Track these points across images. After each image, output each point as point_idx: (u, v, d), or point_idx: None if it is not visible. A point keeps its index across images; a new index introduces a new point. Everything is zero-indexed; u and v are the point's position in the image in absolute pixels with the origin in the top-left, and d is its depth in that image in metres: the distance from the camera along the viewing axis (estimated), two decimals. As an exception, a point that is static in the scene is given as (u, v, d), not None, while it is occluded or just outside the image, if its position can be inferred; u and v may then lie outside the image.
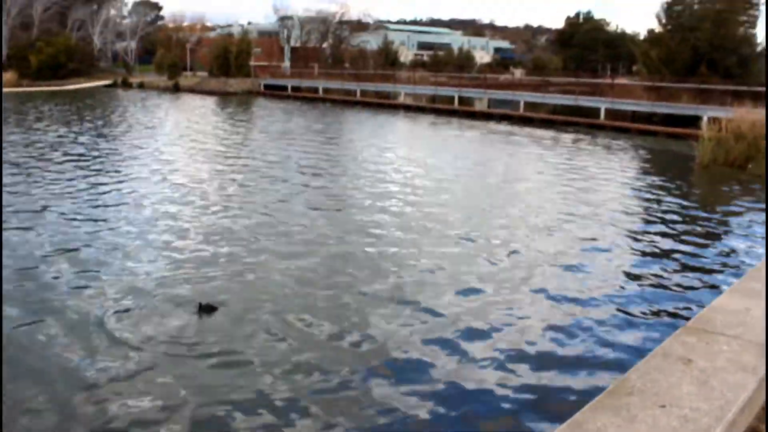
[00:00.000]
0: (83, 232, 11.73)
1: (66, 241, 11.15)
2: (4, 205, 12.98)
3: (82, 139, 26.10)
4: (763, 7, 45.98)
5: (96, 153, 22.19)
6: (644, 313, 8.46)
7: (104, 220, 12.62)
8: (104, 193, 15.37)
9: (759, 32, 44.99)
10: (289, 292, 8.86)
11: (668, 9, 43.99)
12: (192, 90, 69.79)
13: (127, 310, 8.11)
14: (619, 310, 8.54)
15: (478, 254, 10.87)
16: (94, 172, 18.21)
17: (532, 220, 13.49)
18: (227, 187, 16.58)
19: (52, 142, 24.73)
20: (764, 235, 12.61)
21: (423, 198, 15.52)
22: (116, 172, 18.43)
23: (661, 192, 17.37)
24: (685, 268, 10.47)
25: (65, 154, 21.62)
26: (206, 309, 8.02)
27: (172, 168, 19.42)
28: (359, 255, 10.66)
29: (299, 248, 10.95)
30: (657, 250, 11.49)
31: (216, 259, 10.24)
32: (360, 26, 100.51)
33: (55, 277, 9.33)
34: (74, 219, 12.69)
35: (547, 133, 32.04)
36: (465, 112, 43.05)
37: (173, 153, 22.94)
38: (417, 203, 14.87)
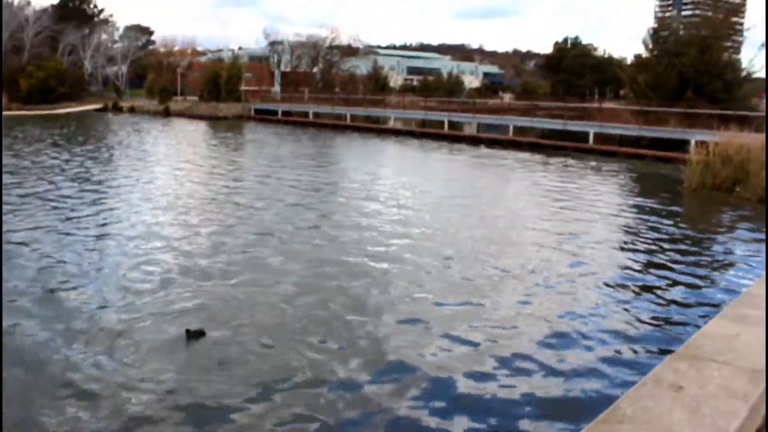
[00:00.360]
0: (71, 253, 11.64)
1: (52, 264, 11.04)
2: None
3: (71, 163, 26.00)
4: (747, 33, 46.70)
5: (85, 177, 22.10)
6: (634, 339, 8.44)
7: (93, 241, 12.53)
8: (91, 215, 15.27)
9: (743, 58, 45.71)
10: (278, 317, 8.79)
11: (654, 34, 44.65)
12: (182, 114, 69.84)
13: (113, 338, 8.02)
14: (608, 333, 8.51)
15: (468, 278, 10.84)
16: (83, 197, 18.11)
17: (522, 245, 13.48)
18: (216, 211, 16.50)
19: (41, 166, 24.62)
20: (752, 259, 12.66)
21: (413, 221, 15.51)
22: (105, 195, 18.33)
23: (650, 215, 17.44)
24: (676, 292, 10.47)
25: (55, 177, 21.51)
26: (195, 335, 7.94)
27: (162, 193, 19.35)
28: (348, 283, 10.60)
29: (290, 271, 10.89)
30: (647, 275, 11.50)
31: (203, 283, 10.15)
32: (350, 51, 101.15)
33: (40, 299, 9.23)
34: (64, 239, 12.59)
35: (537, 157, 32.21)
36: (454, 137, 43.25)
37: (163, 178, 22.88)
38: (406, 226, 14.85)
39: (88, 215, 15.52)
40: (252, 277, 10.57)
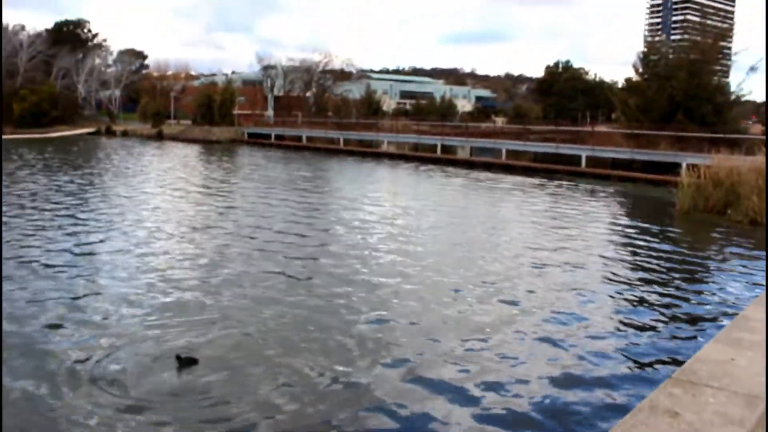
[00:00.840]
0: (64, 279, 11.55)
1: (45, 289, 10.95)
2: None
3: (63, 187, 25.91)
4: (735, 58, 47.25)
5: (77, 202, 22.01)
6: (629, 364, 8.39)
7: (84, 268, 12.44)
8: (82, 244, 15.18)
9: (732, 81, 46.26)
10: (270, 342, 8.72)
11: (644, 58, 45.14)
12: (175, 138, 69.92)
13: (103, 361, 7.92)
14: (603, 358, 8.47)
15: (463, 304, 10.80)
16: (74, 222, 18.01)
17: (517, 268, 13.45)
18: (209, 236, 16.44)
19: (33, 190, 24.53)
20: (745, 282, 12.67)
21: (407, 245, 15.48)
22: (96, 221, 18.25)
23: (643, 238, 17.47)
24: (670, 316, 10.45)
25: (46, 202, 21.42)
26: (186, 362, 7.84)
27: (155, 217, 19.30)
28: (342, 306, 10.54)
29: (281, 298, 10.82)
30: (641, 298, 11.48)
31: (195, 309, 10.08)
32: (343, 75, 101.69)
33: (32, 326, 9.12)
34: (53, 267, 12.49)
35: (529, 181, 32.31)
36: (448, 161, 43.40)
37: (155, 202, 22.81)
38: (401, 251, 14.82)
39: (72, 244, 15.40)
40: (243, 313, 10.49)
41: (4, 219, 17.44)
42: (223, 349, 8.48)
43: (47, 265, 12.68)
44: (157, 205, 21.72)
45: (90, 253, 14.00)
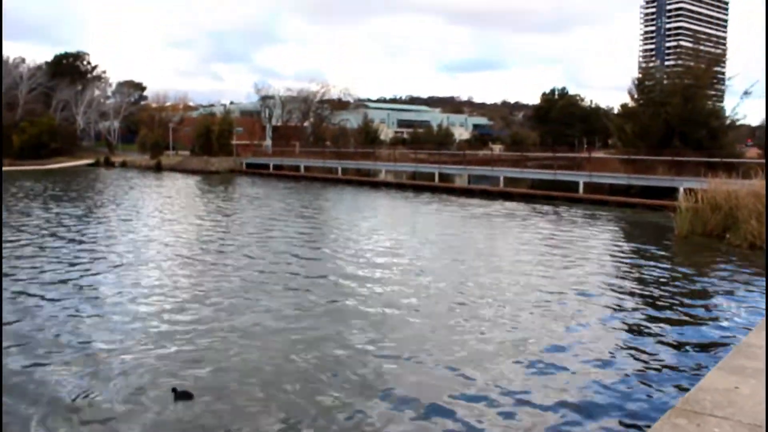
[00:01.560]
0: (61, 308, 11.45)
1: (34, 319, 10.86)
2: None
3: (63, 219, 25.89)
4: (729, 82, 47.65)
5: (75, 234, 21.96)
6: (631, 393, 8.29)
7: (81, 299, 12.35)
8: (81, 276, 15.10)
9: (726, 106, 46.58)
10: (268, 377, 8.62)
11: (639, 84, 45.43)
12: (174, 169, 70.14)
13: (92, 394, 7.82)
14: (604, 387, 8.37)
15: (463, 333, 10.71)
16: (75, 253, 17.95)
17: (517, 296, 13.37)
18: (205, 267, 16.37)
19: (31, 223, 24.50)
20: (747, 308, 12.59)
21: (407, 275, 15.42)
22: (92, 252, 18.19)
23: (643, 264, 17.41)
24: (671, 343, 10.36)
25: (45, 235, 21.37)
26: (182, 396, 7.74)
27: (152, 248, 19.24)
28: (340, 339, 10.46)
29: (280, 329, 10.74)
30: (642, 325, 11.39)
31: (191, 340, 9.98)
32: (340, 105, 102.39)
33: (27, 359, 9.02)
34: (48, 296, 12.40)
35: (528, 208, 32.33)
36: (445, 189, 43.46)
37: (152, 233, 22.77)
38: (401, 281, 14.76)
39: (69, 279, 15.33)
40: (241, 343, 10.40)
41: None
42: (219, 382, 8.38)
43: (37, 296, 12.60)
44: (153, 237, 21.66)
45: (86, 286, 13.90)
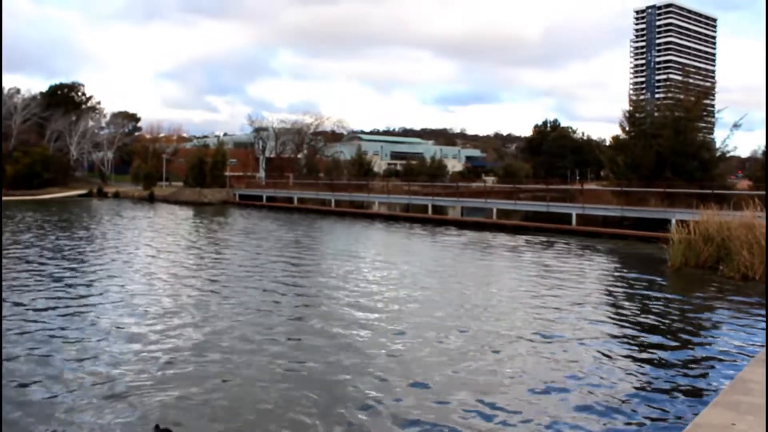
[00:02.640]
0: (46, 338, 11.28)
1: (19, 344, 10.69)
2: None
3: (48, 252, 25.70)
4: (718, 115, 48.23)
5: (64, 265, 21.77)
6: (627, 430, 8.17)
7: (70, 329, 12.18)
8: (68, 306, 14.92)
9: (717, 138, 47.00)
10: (257, 413, 8.46)
11: (630, 117, 45.87)
12: (167, 200, 70.12)
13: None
14: (599, 424, 8.25)
15: (461, 363, 10.59)
16: (60, 281, 17.78)
17: (513, 328, 13.27)
18: (196, 297, 16.22)
19: (16, 255, 24.30)
20: (742, 342, 12.52)
21: (402, 308, 15.31)
22: (82, 281, 18.02)
23: (637, 296, 17.35)
24: (666, 377, 10.25)
25: (32, 264, 21.19)
26: (164, 432, 7.57)
27: (142, 279, 19.09)
28: (331, 376, 10.32)
29: (268, 366, 10.60)
30: (636, 359, 11.29)
31: (177, 372, 9.82)
32: (334, 137, 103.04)
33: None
34: (32, 327, 12.23)
35: (521, 240, 32.32)
36: (439, 221, 43.46)
37: (143, 264, 22.61)
38: (395, 315, 14.64)
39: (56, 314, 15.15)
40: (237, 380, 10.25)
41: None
42: (205, 417, 8.22)
43: (29, 320, 12.43)
44: (144, 268, 21.50)
45: (75, 313, 13.73)
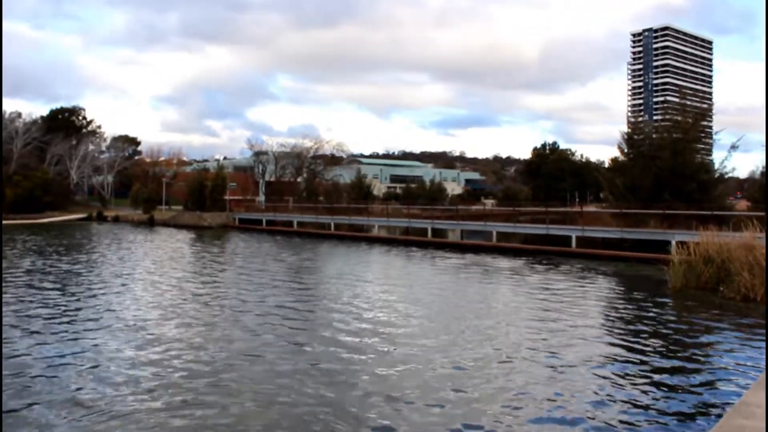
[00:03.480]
0: (37, 371, 11.19)
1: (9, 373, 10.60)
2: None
3: (47, 277, 25.62)
4: (716, 136, 48.42)
5: (62, 293, 21.69)
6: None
7: (62, 359, 12.09)
8: (61, 341, 14.83)
9: (715, 159, 47.16)
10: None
11: (629, 139, 46.07)
12: (167, 224, 70.08)
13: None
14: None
15: (463, 390, 10.51)
16: (59, 313, 17.69)
17: (514, 353, 13.19)
18: (197, 322, 16.14)
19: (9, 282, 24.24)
20: (743, 364, 12.43)
21: (403, 334, 15.23)
22: (84, 308, 17.94)
23: (638, 319, 17.27)
24: (668, 400, 10.17)
25: (29, 290, 21.10)
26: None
27: (142, 303, 19.00)
28: (334, 404, 10.23)
29: (272, 391, 10.51)
30: (638, 382, 11.20)
31: (175, 402, 9.74)
32: (333, 160, 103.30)
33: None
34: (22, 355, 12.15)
35: (521, 263, 32.26)
36: (438, 244, 43.39)
37: (142, 288, 22.52)
38: (397, 340, 14.56)
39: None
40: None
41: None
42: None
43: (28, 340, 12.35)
44: (142, 293, 21.42)
45: (72, 339, 13.64)
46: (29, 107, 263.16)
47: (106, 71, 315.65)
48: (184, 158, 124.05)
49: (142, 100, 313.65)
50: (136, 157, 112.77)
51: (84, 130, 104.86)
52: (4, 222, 63.64)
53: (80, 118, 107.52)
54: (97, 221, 76.67)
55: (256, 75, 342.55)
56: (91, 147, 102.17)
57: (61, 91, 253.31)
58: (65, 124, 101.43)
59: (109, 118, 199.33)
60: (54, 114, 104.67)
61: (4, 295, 19.64)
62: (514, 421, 9.04)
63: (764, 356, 12.67)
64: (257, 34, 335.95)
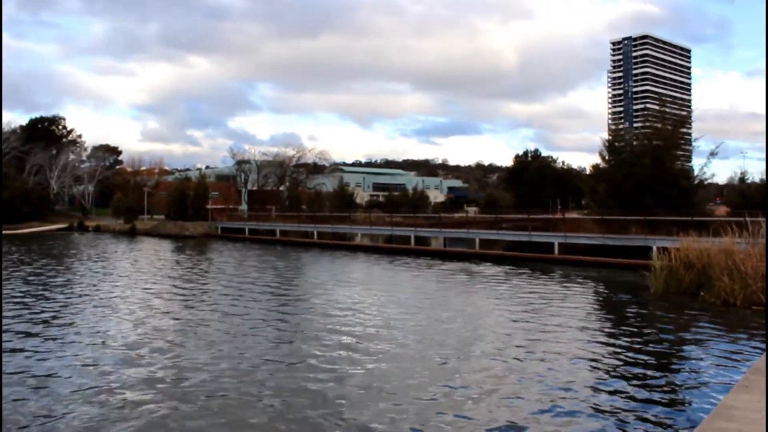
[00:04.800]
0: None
1: None
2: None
3: (26, 288, 25.31)
4: (695, 143, 49.02)
5: (40, 305, 21.42)
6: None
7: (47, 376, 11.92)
8: (43, 351, 14.63)
9: (695, 166, 47.69)
10: None
11: (610, 146, 46.44)
12: (148, 233, 69.57)
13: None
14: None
15: (448, 397, 10.48)
16: (39, 326, 17.46)
17: (496, 359, 13.19)
18: (177, 332, 16.00)
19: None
20: (723, 367, 12.52)
21: (387, 343, 15.19)
22: (59, 318, 17.71)
23: (620, 324, 17.36)
24: (649, 403, 10.19)
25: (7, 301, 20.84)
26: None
27: (124, 319, 18.80)
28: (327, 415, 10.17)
29: (251, 405, 10.42)
30: (619, 387, 11.22)
31: (156, 413, 9.62)
32: (316, 169, 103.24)
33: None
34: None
35: (504, 269, 32.34)
36: (422, 252, 43.42)
37: (124, 302, 22.30)
38: (381, 350, 14.51)
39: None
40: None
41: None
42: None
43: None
44: (123, 307, 21.20)
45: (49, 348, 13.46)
46: (8, 116, 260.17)
47: (87, 80, 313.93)
48: (166, 167, 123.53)
49: (122, 110, 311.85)
50: (117, 167, 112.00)
51: (64, 140, 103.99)
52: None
53: (60, 127, 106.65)
54: (78, 231, 75.94)
55: (238, 84, 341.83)
56: (71, 156, 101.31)
57: (40, 100, 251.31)
58: (45, 133, 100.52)
59: (89, 128, 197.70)
60: (33, 123, 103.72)
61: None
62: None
63: (745, 360, 12.77)
64: (238, 43, 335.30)
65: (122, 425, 9.02)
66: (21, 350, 13.72)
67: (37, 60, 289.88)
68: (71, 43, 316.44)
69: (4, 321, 17.10)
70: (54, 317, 18.07)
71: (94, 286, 25.65)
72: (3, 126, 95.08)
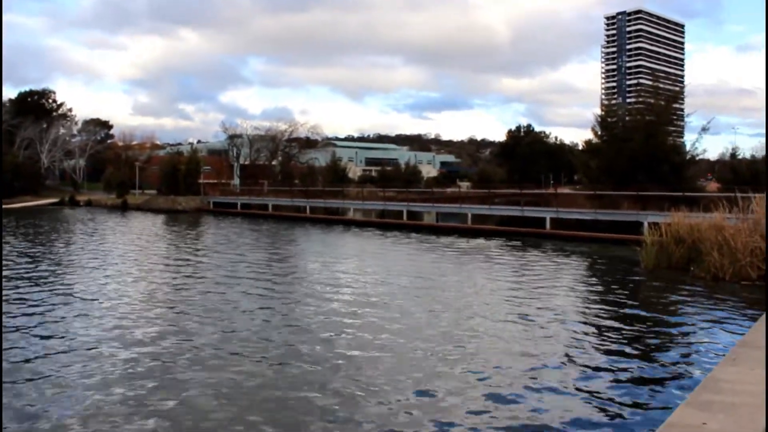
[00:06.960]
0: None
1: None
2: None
3: (20, 263, 25.28)
4: (687, 119, 49.23)
5: (29, 283, 21.41)
6: (597, 427, 8.21)
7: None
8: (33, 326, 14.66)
9: (686, 141, 47.87)
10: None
11: (602, 121, 46.48)
12: (140, 208, 69.39)
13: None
14: (570, 426, 8.28)
15: (433, 373, 10.58)
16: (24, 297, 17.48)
17: (486, 336, 13.30)
18: (170, 313, 16.06)
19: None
20: (712, 341, 12.69)
21: (379, 318, 15.28)
22: (50, 296, 17.73)
23: (611, 299, 17.52)
24: (638, 378, 10.31)
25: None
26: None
27: (111, 294, 18.83)
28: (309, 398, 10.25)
29: (241, 385, 10.50)
30: (609, 361, 11.35)
31: (146, 397, 9.69)
32: (309, 143, 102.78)
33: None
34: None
35: (496, 244, 32.48)
36: (414, 227, 43.52)
37: (112, 278, 22.32)
38: (374, 325, 14.61)
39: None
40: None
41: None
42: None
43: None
44: (113, 282, 21.23)
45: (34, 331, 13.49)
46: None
47: (76, 54, 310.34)
48: (158, 142, 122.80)
49: (113, 84, 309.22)
50: (109, 141, 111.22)
51: (54, 114, 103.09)
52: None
53: (50, 101, 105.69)
54: (70, 206, 75.63)
55: (229, 58, 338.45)
56: (62, 131, 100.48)
57: (29, 74, 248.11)
58: (35, 107, 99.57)
59: (80, 102, 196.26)
60: (23, 97, 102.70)
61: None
62: (480, 395, 9.14)
63: (732, 332, 12.94)
64: (228, 17, 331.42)
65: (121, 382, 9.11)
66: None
67: (25, 33, 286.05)
68: (60, 17, 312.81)
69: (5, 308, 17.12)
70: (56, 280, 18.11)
71: (87, 264, 25.66)
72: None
